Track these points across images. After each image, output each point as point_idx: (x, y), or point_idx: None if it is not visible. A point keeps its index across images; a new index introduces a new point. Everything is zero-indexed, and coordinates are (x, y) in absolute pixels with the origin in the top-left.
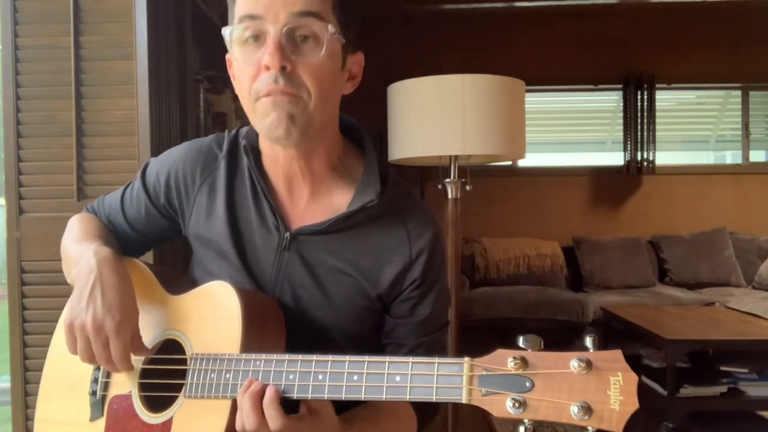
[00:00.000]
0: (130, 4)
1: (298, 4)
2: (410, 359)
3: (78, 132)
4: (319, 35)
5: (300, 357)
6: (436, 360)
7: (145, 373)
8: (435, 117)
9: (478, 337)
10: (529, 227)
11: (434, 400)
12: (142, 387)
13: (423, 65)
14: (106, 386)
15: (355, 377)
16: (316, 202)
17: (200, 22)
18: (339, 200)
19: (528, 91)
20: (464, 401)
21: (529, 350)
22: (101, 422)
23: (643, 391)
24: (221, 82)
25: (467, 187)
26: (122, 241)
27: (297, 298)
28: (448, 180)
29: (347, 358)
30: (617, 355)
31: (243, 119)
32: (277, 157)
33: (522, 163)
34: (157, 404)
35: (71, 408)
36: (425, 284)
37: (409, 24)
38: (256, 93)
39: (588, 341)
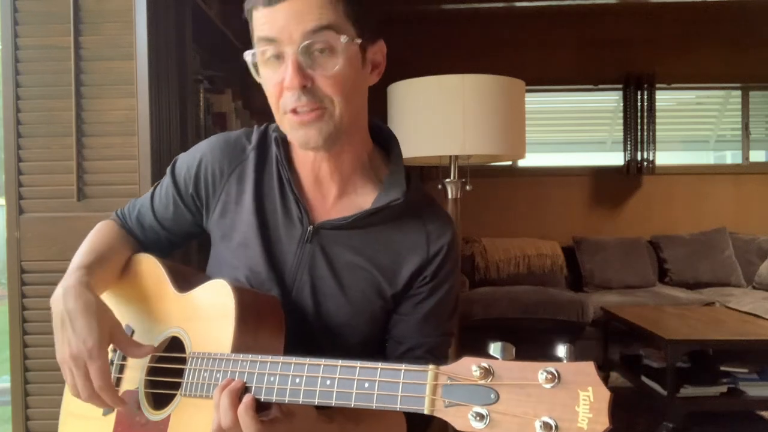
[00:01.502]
0: (130, 4)
1: (310, 21)
2: (379, 365)
3: (78, 132)
4: (335, 46)
5: (281, 359)
6: (403, 367)
7: (151, 371)
8: (435, 117)
9: (478, 337)
10: (529, 227)
11: (398, 409)
12: (148, 384)
13: (423, 65)
14: (118, 382)
15: (328, 382)
16: (342, 200)
17: (200, 22)
18: (363, 199)
19: (528, 91)
20: (426, 412)
21: (500, 359)
22: (112, 417)
23: (643, 391)
24: (221, 82)
25: (467, 187)
26: (150, 239)
27: (315, 291)
28: (448, 180)
29: (322, 361)
30: (589, 367)
31: (243, 119)
32: (306, 157)
33: (522, 163)
34: (160, 401)
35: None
36: (434, 281)
37: (409, 24)
38: (284, 108)
39: (561, 351)
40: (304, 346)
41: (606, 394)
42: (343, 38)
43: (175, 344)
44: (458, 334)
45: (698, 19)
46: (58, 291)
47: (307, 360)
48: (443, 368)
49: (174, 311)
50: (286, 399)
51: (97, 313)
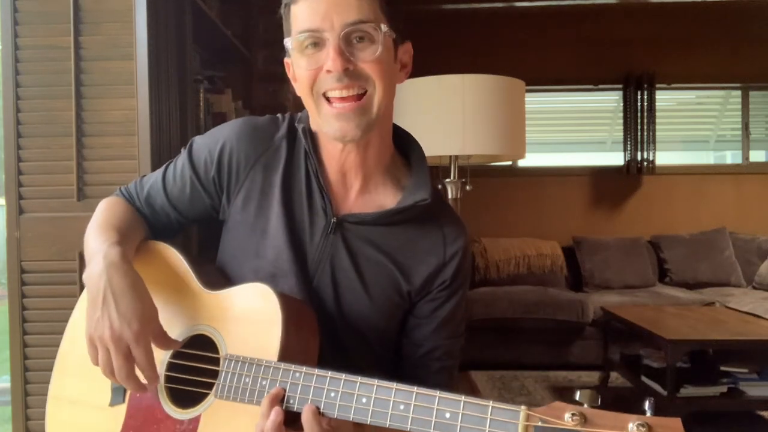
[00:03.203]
0: (130, 4)
1: (350, 14)
2: (462, 398)
3: (78, 132)
4: (374, 35)
5: (343, 376)
6: (490, 403)
7: (171, 366)
8: (435, 117)
9: (478, 337)
10: (529, 227)
11: None
12: (168, 379)
13: (423, 65)
14: None
15: (402, 407)
16: (364, 196)
17: (200, 22)
18: (384, 198)
19: (528, 91)
20: None
21: (586, 405)
22: (122, 408)
23: (643, 392)
24: (221, 82)
25: (467, 187)
26: (159, 221)
27: (336, 282)
28: (448, 180)
29: (394, 385)
30: (676, 423)
31: None
32: (334, 148)
33: (522, 163)
34: (181, 399)
35: (90, 390)
36: (452, 286)
37: (409, 24)
38: (318, 90)
39: (647, 405)
40: (323, 338)
41: None
42: (383, 26)
43: (197, 342)
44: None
45: (698, 19)
46: (98, 265)
47: (376, 381)
48: (534, 409)
49: (202, 309)
50: (351, 417)
51: (143, 295)
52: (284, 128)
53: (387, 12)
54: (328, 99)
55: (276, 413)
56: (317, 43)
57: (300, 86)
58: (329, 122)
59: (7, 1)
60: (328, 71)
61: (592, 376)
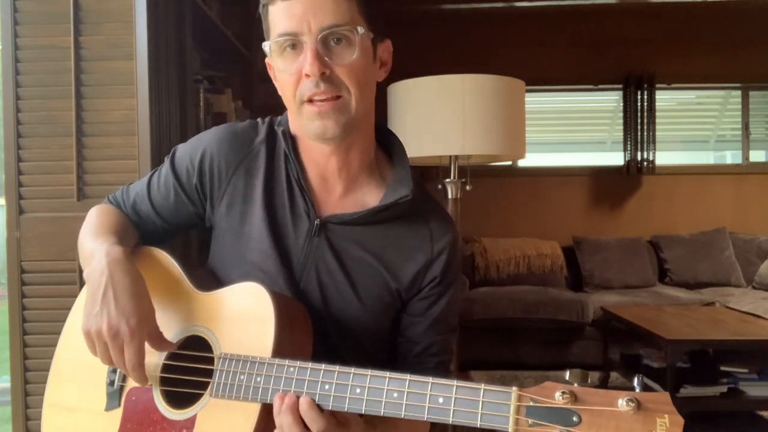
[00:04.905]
0: (130, 4)
1: (326, 18)
2: (454, 382)
3: (78, 132)
4: (351, 38)
5: (337, 368)
6: (482, 386)
7: (166, 368)
8: (435, 117)
9: (478, 337)
10: (529, 227)
11: (478, 426)
12: (163, 381)
13: (423, 65)
14: (124, 377)
15: (395, 394)
16: (348, 197)
17: (200, 22)
18: (368, 197)
19: (528, 91)
20: (510, 430)
21: (576, 385)
22: (117, 413)
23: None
24: (221, 82)
25: (467, 187)
26: (147, 229)
27: (323, 285)
28: (448, 180)
29: (387, 374)
30: (665, 397)
31: (243, 119)
32: (314, 152)
33: (522, 163)
34: (176, 400)
35: (85, 395)
36: (444, 283)
37: (409, 24)
38: (300, 98)
39: (636, 382)
40: (315, 341)
41: (680, 421)
42: (359, 29)
43: (192, 343)
44: (458, 334)
45: (698, 19)
46: (100, 262)
47: (369, 371)
48: (525, 390)
49: (196, 310)
50: (345, 407)
51: (143, 294)
52: (263, 132)
53: (365, 13)
54: (308, 101)
55: (289, 397)
56: (295, 45)
57: (282, 89)
58: (311, 120)
59: (7, 1)
60: (307, 75)
61: (592, 376)
